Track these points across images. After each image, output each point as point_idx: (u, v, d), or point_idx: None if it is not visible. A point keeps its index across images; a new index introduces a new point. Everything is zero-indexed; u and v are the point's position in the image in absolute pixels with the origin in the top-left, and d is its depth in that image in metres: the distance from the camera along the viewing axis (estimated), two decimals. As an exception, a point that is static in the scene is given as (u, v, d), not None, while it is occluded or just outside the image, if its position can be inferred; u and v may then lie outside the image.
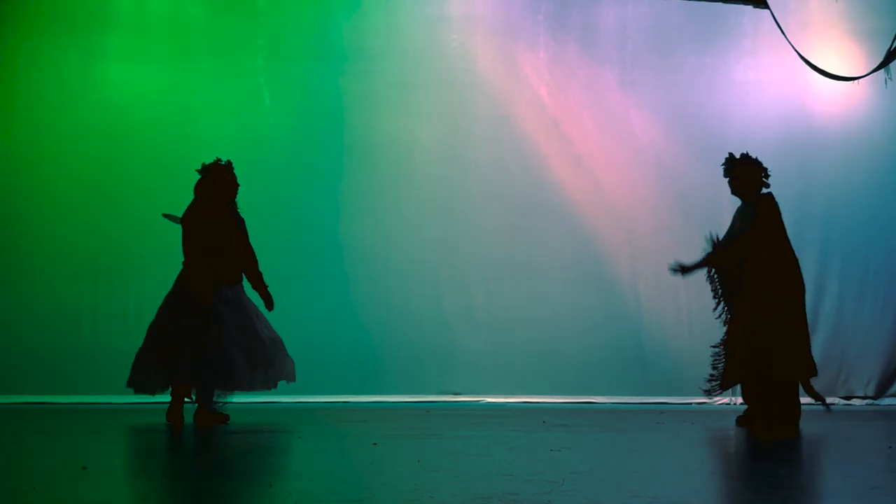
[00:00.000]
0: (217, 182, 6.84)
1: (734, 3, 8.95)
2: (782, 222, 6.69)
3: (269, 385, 7.01)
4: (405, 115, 8.90)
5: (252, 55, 8.87)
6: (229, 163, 6.91)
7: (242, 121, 8.78)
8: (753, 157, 6.86)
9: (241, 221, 7.00)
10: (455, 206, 8.90)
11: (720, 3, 8.97)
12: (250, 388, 6.88)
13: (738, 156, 6.86)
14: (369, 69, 8.88)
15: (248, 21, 8.88)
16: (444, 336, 8.75)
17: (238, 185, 6.96)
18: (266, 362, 6.89)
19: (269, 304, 7.06)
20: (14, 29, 8.73)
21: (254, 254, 7.00)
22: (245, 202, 8.15)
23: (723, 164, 6.90)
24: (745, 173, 6.79)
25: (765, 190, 6.80)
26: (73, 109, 8.67)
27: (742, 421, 6.86)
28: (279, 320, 8.35)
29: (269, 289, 7.04)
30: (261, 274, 7.02)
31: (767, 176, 6.82)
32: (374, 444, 5.78)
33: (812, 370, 6.64)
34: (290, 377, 7.09)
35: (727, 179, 6.89)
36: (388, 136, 8.86)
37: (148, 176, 8.38)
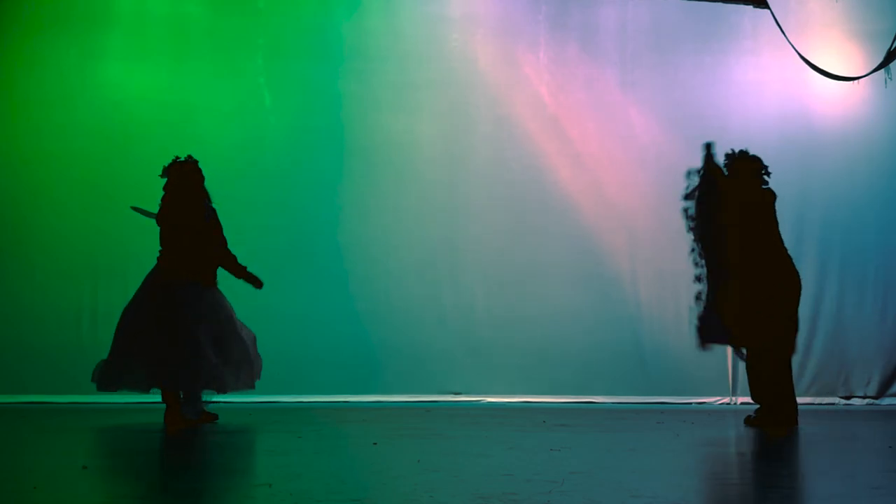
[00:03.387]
0: (170, 180, 6.81)
1: (734, 3, 8.95)
2: (772, 215, 6.73)
3: (250, 385, 6.97)
4: (405, 115, 8.90)
5: (252, 55, 8.87)
6: (188, 158, 6.84)
7: (242, 121, 8.79)
8: (752, 153, 6.87)
9: (213, 212, 6.92)
10: (455, 206, 8.90)
11: (720, 3, 8.98)
12: (234, 389, 6.84)
13: (737, 152, 6.88)
14: (369, 69, 8.89)
15: (248, 21, 8.89)
16: (445, 336, 8.75)
17: (196, 176, 6.80)
18: (248, 363, 6.86)
19: (258, 284, 7.02)
20: (14, 28, 8.74)
21: (225, 243, 6.94)
22: (245, 202, 8.16)
23: (724, 161, 6.91)
24: (743, 170, 6.81)
25: (765, 188, 6.83)
26: (73, 109, 8.68)
27: (751, 421, 6.85)
28: (279, 320, 8.38)
29: (248, 269, 6.98)
30: (235, 258, 6.94)
31: (768, 173, 6.83)
32: (375, 444, 5.78)
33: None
34: (258, 376, 7.03)
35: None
36: (388, 135, 8.87)
37: (148, 176, 8.34)
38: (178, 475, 4.93)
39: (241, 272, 6.99)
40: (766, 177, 6.82)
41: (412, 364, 8.69)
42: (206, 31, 8.85)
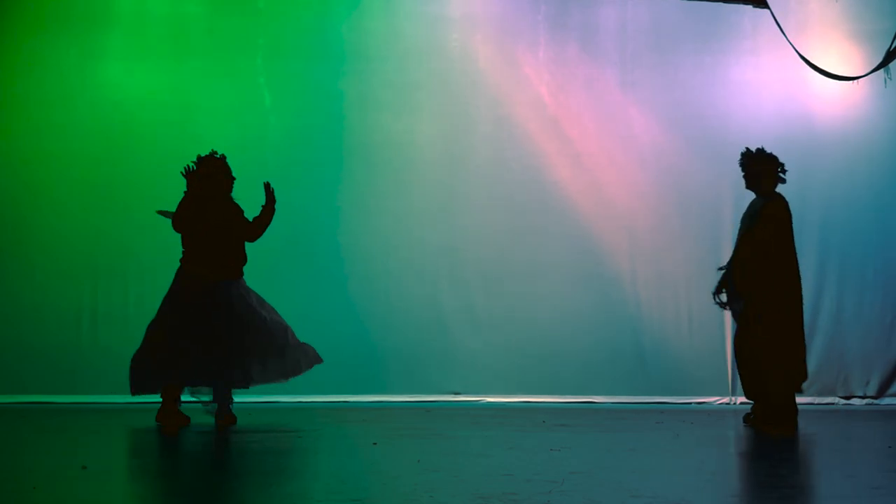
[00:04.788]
0: (202, 171, 6.82)
1: (734, 2, 8.95)
2: (789, 226, 6.72)
3: (284, 377, 6.95)
4: (405, 115, 8.90)
5: (252, 55, 8.87)
6: (223, 156, 6.90)
7: (242, 120, 8.78)
8: (768, 152, 6.91)
9: (239, 210, 6.96)
10: (455, 206, 8.90)
11: (720, 3, 8.98)
12: (264, 380, 6.85)
13: (753, 150, 6.93)
14: (369, 69, 8.89)
15: (248, 21, 8.89)
16: (444, 336, 8.75)
17: (232, 178, 6.90)
18: (279, 353, 6.85)
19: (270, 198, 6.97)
20: (14, 28, 8.74)
21: (252, 228, 6.96)
22: (245, 201, 8.15)
23: (739, 159, 6.98)
24: (756, 167, 6.84)
25: (780, 187, 6.85)
26: (73, 109, 8.68)
27: (750, 420, 6.86)
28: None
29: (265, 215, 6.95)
30: (258, 221, 6.95)
31: (784, 171, 6.86)
32: (374, 443, 5.78)
33: (803, 376, 6.72)
34: (313, 361, 6.99)
35: (743, 174, 6.97)
36: (388, 135, 8.87)
37: (148, 176, 8.38)
38: (177, 475, 4.94)
39: (267, 210, 6.95)
40: (781, 174, 6.86)
41: (412, 364, 8.69)
42: (206, 31, 8.85)
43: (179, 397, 6.79)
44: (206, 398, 6.74)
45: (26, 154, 8.63)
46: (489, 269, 8.86)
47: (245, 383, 6.73)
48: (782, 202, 6.81)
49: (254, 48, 8.88)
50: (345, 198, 8.81)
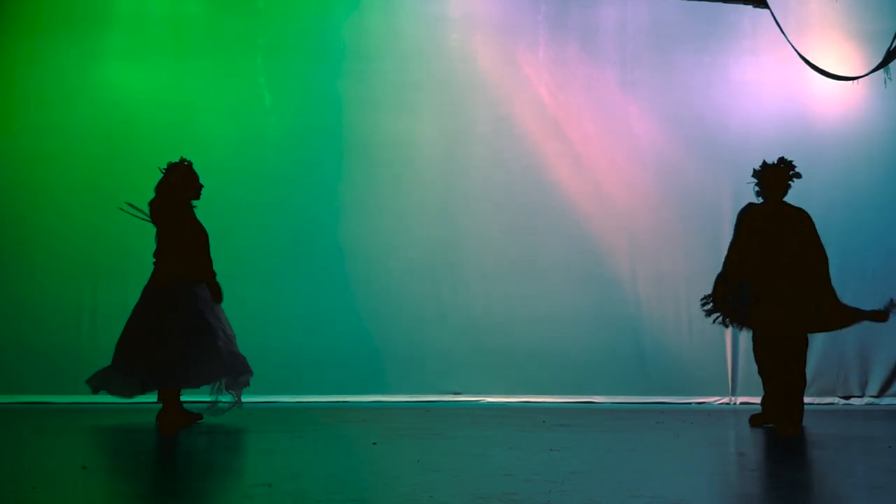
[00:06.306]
0: (171, 179, 6.81)
1: (733, 2, 8.96)
2: (742, 226, 6.77)
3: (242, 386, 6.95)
4: (405, 115, 8.91)
5: (252, 55, 8.88)
6: (190, 163, 6.88)
7: (242, 120, 8.79)
8: (771, 161, 6.89)
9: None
10: (455, 206, 8.90)
11: (720, 3, 8.99)
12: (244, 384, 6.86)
13: (767, 162, 6.91)
14: (369, 69, 8.89)
15: (248, 21, 8.89)
16: (444, 336, 8.75)
17: (201, 185, 6.88)
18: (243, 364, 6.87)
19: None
20: (14, 28, 8.74)
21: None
22: (245, 202, 8.16)
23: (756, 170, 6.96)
24: (767, 178, 6.84)
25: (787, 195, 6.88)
26: (73, 109, 8.68)
27: (756, 420, 6.86)
28: (279, 320, 8.38)
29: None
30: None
31: (797, 175, 6.85)
32: (374, 443, 5.78)
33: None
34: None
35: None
36: (388, 135, 8.87)
37: (148, 176, 8.34)
38: (177, 475, 4.94)
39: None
40: (789, 182, 6.85)
41: (412, 364, 8.69)
42: (206, 31, 8.85)
43: (180, 398, 6.79)
44: (225, 398, 6.74)
45: (26, 154, 8.63)
46: (489, 268, 8.87)
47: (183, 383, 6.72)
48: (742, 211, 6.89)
49: (254, 48, 8.88)
50: (345, 198, 8.81)
